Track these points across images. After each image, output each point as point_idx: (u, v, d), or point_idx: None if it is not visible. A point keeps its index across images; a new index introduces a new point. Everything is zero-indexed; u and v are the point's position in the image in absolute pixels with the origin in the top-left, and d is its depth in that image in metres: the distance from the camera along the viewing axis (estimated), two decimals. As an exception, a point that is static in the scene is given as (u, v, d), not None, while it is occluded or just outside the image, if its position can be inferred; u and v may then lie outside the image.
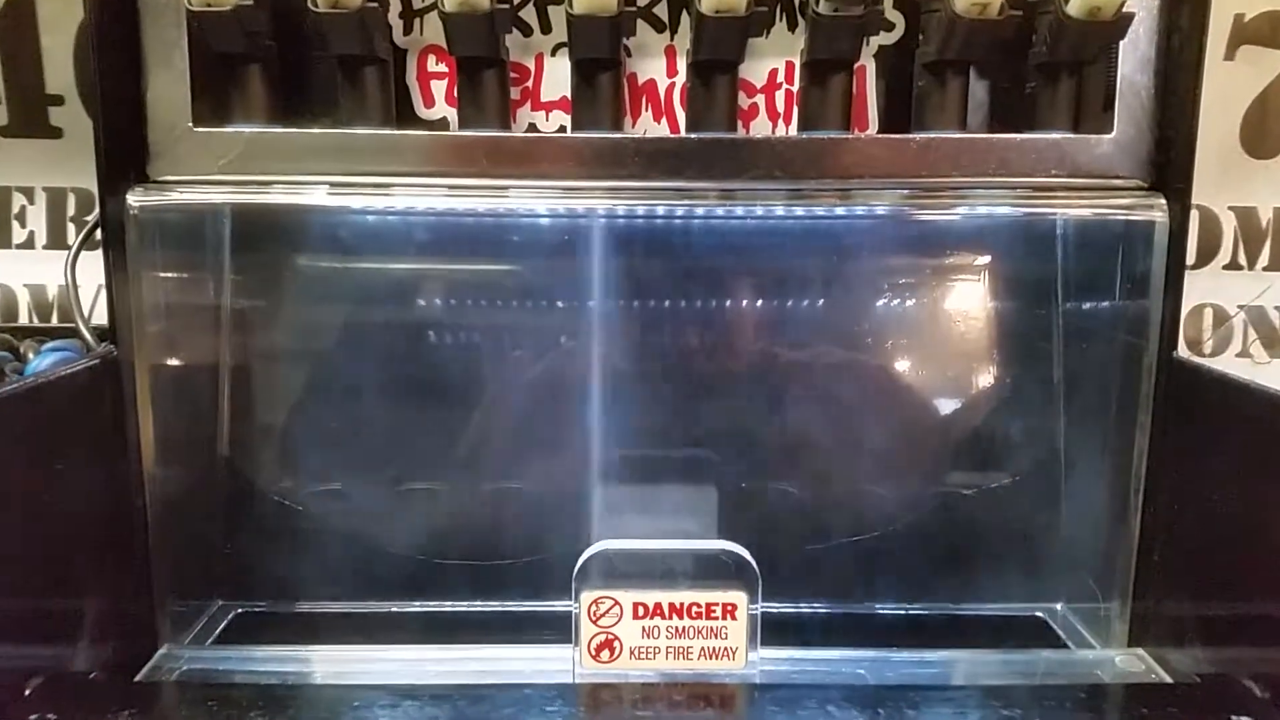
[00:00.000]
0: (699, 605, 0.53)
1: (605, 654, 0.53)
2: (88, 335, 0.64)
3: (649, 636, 0.53)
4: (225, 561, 0.69)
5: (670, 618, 0.53)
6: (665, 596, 0.52)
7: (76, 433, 0.55)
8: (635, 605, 0.53)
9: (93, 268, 0.60)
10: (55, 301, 0.79)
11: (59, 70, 0.75)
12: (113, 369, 0.59)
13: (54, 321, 0.79)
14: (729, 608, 0.53)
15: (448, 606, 0.70)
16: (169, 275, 0.63)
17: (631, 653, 0.53)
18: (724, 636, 0.53)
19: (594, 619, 0.53)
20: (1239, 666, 0.54)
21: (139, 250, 0.60)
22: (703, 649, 0.53)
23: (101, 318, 0.61)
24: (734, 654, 0.53)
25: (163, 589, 0.63)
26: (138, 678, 0.59)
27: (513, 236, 0.67)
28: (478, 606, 0.70)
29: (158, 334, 0.62)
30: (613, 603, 0.53)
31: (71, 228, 0.78)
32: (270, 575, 0.70)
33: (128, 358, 0.60)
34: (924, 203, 0.62)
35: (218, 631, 0.68)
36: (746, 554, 0.53)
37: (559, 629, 0.55)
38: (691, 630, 0.53)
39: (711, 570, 0.54)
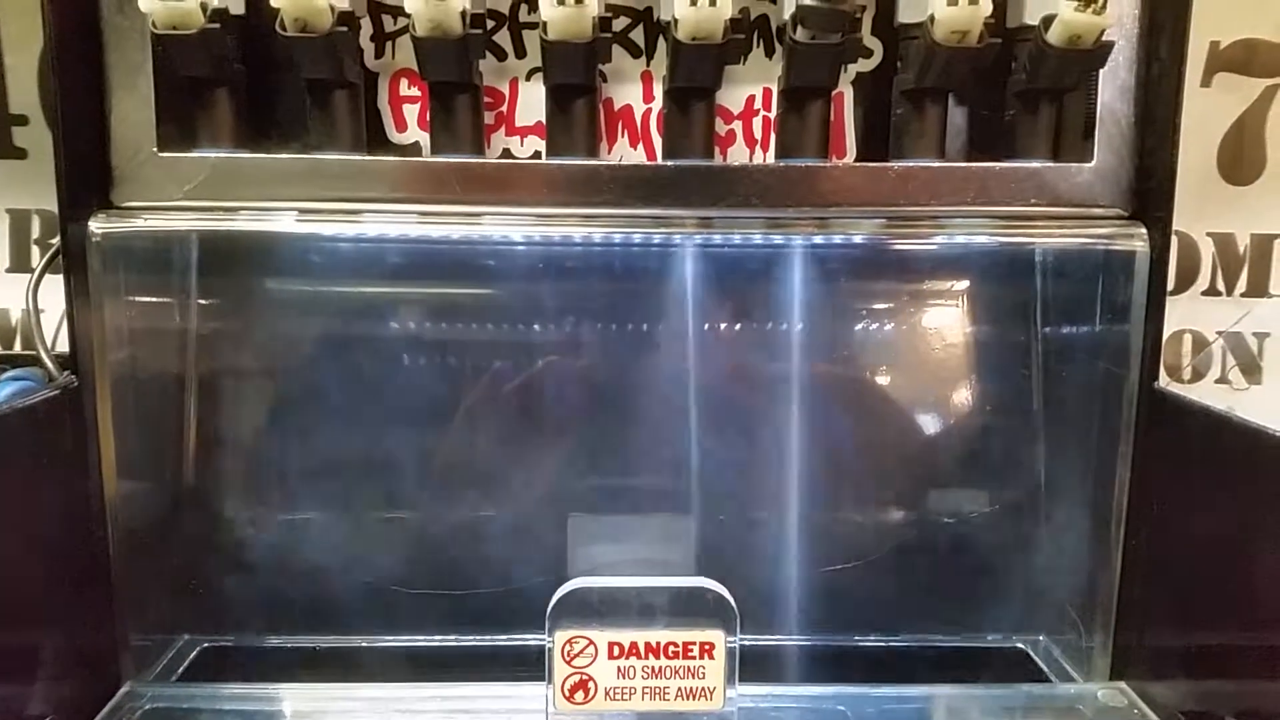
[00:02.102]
0: (676, 644, 0.51)
1: (580, 695, 0.52)
2: (49, 364, 0.62)
3: (624, 676, 0.52)
4: (192, 594, 0.68)
5: (646, 657, 0.51)
6: (641, 636, 0.51)
7: (34, 465, 0.54)
8: (610, 645, 0.51)
9: (58, 292, 0.59)
10: (19, 327, 0.77)
11: (23, 90, 0.73)
12: (73, 398, 0.57)
13: (17, 347, 0.77)
14: (706, 647, 0.51)
15: (421, 641, 0.69)
16: (133, 302, 0.61)
17: (607, 694, 0.52)
18: (701, 676, 0.52)
19: (568, 659, 0.51)
20: (1223, 701, 0.54)
21: (101, 277, 0.58)
22: (680, 689, 0.52)
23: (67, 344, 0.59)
24: (712, 694, 0.52)
25: (125, 623, 0.61)
26: (99, 718, 0.57)
27: (487, 263, 0.66)
28: (451, 641, 0.68)
29: (121, 362, 0.60)
30: (587, 642, 0.51)
31: (36, 250, 0.76)
32: (238, 608, 0.68)
33: (89, 387, 0.58)
34: (902, 231, 0.61)
35: (183, 667, 0.66)
36: (724, 591, 0.52)
37: (533, 664, 0.54)
38: (668, 670, 0.52)
39: (689, 607, 0.52)
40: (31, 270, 0.70)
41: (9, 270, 0.76)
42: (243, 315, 0.67)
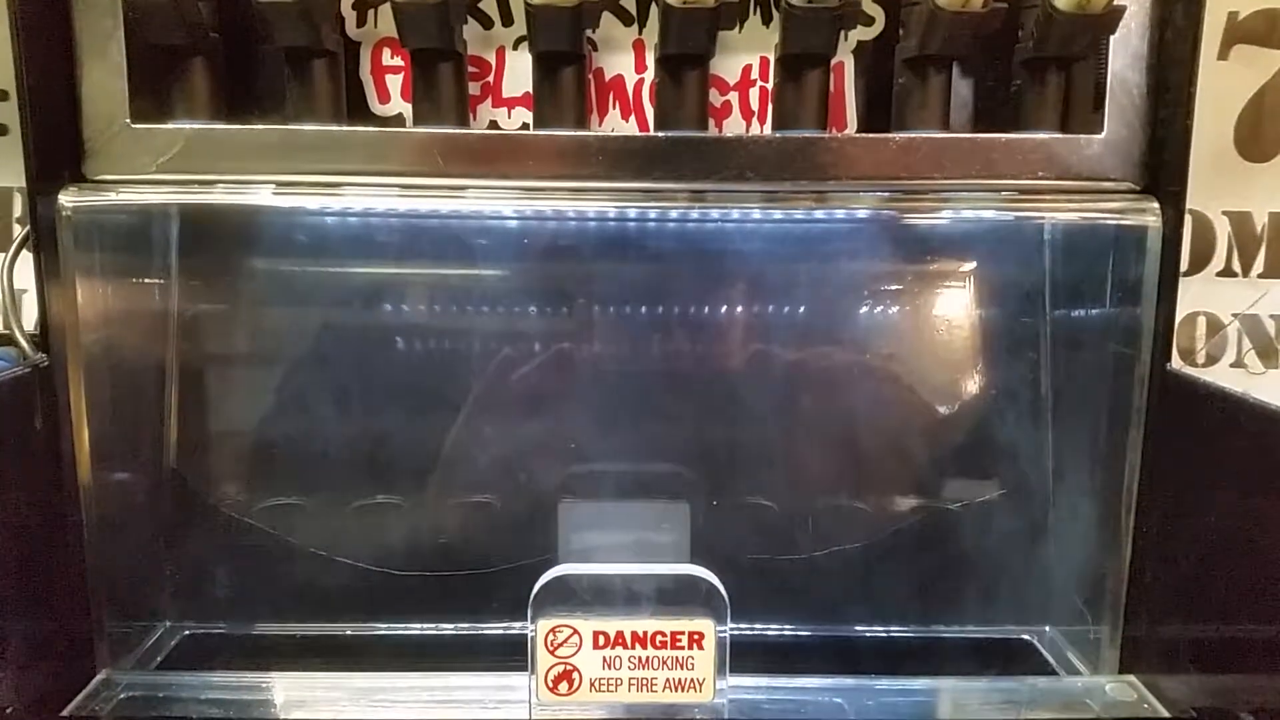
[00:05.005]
0: (663, 634, 0.49)
1: (564, 686, 0.50)
2: (24, 343, 0.60)
3: (610, 667, 0.50)
4: (174, 580, 0.66)
5: (633, 647, 0.49)
6: (627, 625, 0.49)
7: (2, 446, 0.52)
8: (595, 634, 0.49)
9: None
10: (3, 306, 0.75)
11: (2, 64, 0.71)
12: (45, 378, 0.56)
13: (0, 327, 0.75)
14: (695, 636, 0.49)
15: (411, 628, 0.67)
16: (108, 280, 0.59)
17: (592, 685, 0.50)
18: (690, 667, 0.50)
19: (551, 649, 0.49)
20: (1236, 696, 0.52)
21: (73, 254, 0.57)
22: (668, 680, 0.50)
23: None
24: (701, 685, 0.50)
25: (101, 609, 0.60)
26: (69, 709, 0.55)
27: (476, 240, 0.64)
28: (438, 629, 0.67)
29: (96, 342, 0.58)
30: (571, 631, 0.49)
31: (18, 229, 0.75)
32: (222, 594, 0.67)
33: (61, 367, 0.57)
34: (904, 206, 0.59)
35: (163, 655, 0.65)
36: (714, 579, 0.50)
37: (522, 653, 0.52)
38: (656, 660, 0.50)
39: (677, 595, 0.50)
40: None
41: (-10, 249, 0.74)
42: (223, 295, 0.65)
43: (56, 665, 0.57)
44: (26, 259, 0.60)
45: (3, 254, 0.74)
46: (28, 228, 0.59)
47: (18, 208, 0.74)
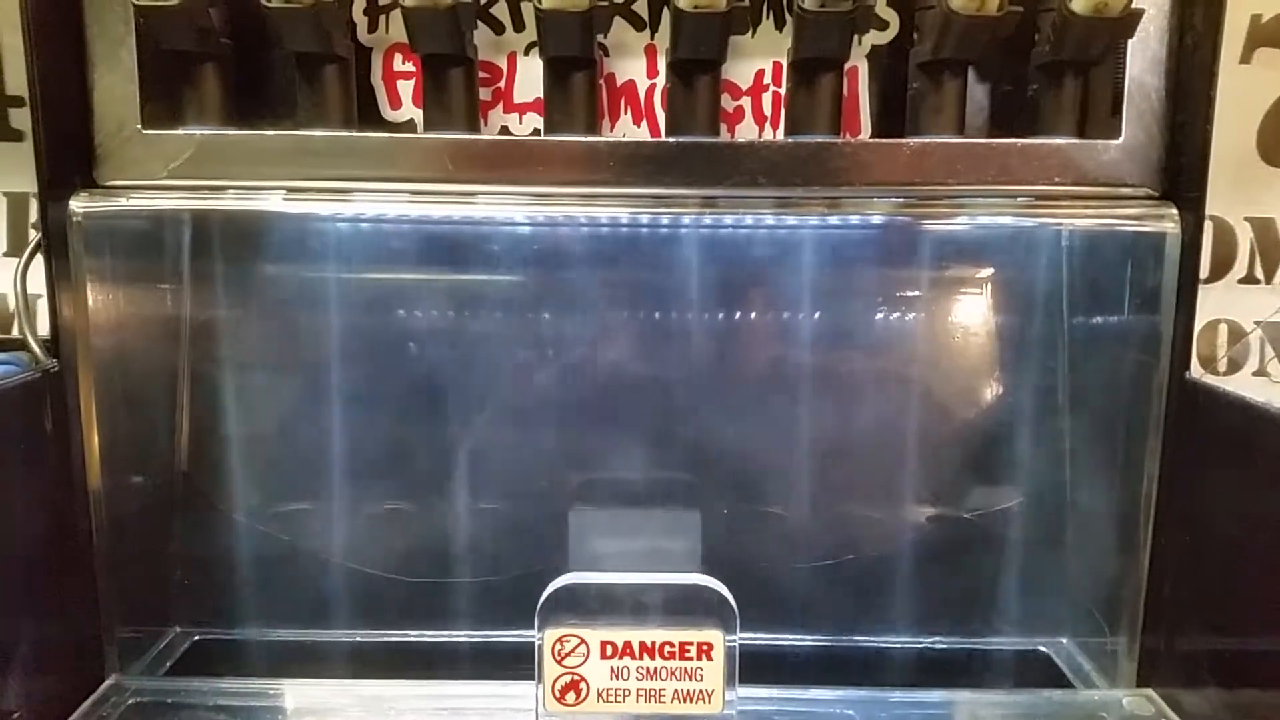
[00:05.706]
0: (672, 644, 0.49)
1: (571, 696, 0.49)
2: (36, 348, 0.60)
3: (618, 677, 0.49)
4: (183, 585, 0.66)
5: (641, 657, 0.49)
6: (635, 635, 0.49)
7: (10, 449, 0.52)
8: (603, 644, 0.49)
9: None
10: (18, 311, 0.75)
11: (19, 71, 0.71)
12: (55, 383, 0.56)
13: (14, 332, 0.76)
14: (704, 647, 0.49)
15: (420, 636, 0.67)
16: (120, 285, 0.60)
17: (599, 695, 0.49)
18: (699, 678, 0.49)
19: (558, 658, 0.49)
20: (1257, 712, 0.51)
21: (84, 259, 0.57)
22: (676, 691, 0.49)
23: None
24: (710, 696, 0.49)
25: (111, 614, 0.60)
26: (77, 714, 0.55)
27: (484, 245, 0.64)
28: (446, 636, 0.67)
29: (107, 347, 0.59)
30: (578, 641, 0.49)
31: (34, 234, 0.75)
32: (231, 600, 0.67)
33: (71, 372, 0.57)
34: (919, 212, 0.59)
35: (173, 660, 0.65)
36: (723, 589, 0.49)
37: (531, 661, 0.51)
38: (664, 671, 0.49)
39: (686, 605, 0.50)
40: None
41: (6, 254, 0.75)
42: (235, 300, 0.65)
43: (65, 670, 0.57)
44: (39, 264, 0.61)
45: (16, 259, 0.75)
46: (38, 236, 0.60)
47: (34, 212, 0.75)
